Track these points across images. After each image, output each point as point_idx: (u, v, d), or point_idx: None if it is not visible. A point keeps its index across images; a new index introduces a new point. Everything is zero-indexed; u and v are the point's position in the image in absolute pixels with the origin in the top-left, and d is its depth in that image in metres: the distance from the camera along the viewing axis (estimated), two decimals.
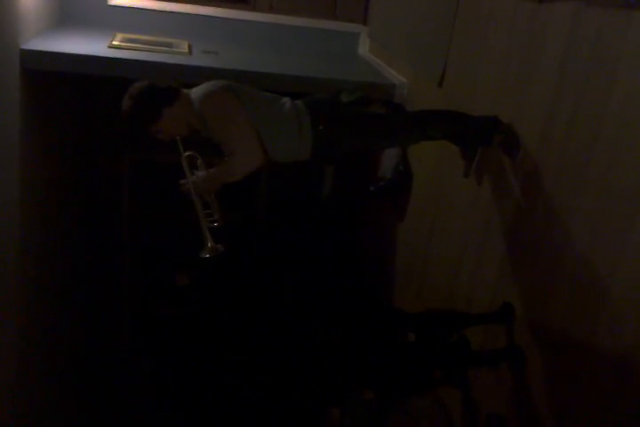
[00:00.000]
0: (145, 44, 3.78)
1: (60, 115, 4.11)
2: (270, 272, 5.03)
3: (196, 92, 2.33)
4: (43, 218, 3.69)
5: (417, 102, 3.49)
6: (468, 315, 2.63)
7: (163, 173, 4.02)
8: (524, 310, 2.30)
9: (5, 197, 2.99)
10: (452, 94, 3.04)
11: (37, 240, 3.59)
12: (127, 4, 4.29)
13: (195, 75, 3.42)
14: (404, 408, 3.08)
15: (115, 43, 3.65)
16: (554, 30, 2.21)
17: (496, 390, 2.45)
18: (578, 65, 2.06)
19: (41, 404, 3.78)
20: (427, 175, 3.35)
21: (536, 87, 2.30)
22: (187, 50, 3.85)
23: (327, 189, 5.31)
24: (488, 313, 2.51)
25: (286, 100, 2.39)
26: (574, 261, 2.01)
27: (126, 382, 5.15)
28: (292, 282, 4.84)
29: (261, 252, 5.01)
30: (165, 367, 5.36)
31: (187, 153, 2.38)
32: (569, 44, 2.11)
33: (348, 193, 4.96)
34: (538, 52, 2.30)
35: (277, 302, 4.95)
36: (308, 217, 5.00)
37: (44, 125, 3.62)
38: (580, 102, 2.03)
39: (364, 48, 4.74)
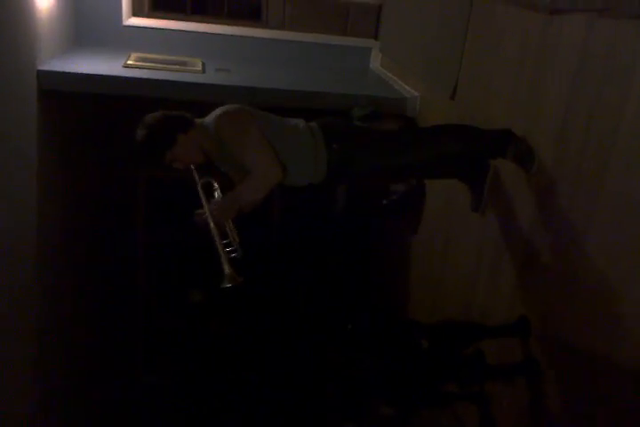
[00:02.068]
0: (159, 62, 3.85)
1: (77, 133, 4.17)
2: (285, 287, 5.03)
3: (209, 117, 2.31)
4: (59, 233, 3.73)
5: (429, 116, 3.49)
6: (484, 327, 2.60)
7: (178, 190, 4.05)
8: (541, 323, 2.27)
9: (22, 216, 3.03)
10: (465, 107, 3.04)
11: (53, 256, 3.62)
12: (141, 24, 4.37)
13: (208, 92, 3.46)
14: (421, 425, 3.05)
15: (129, 62, 3.71)
16: (566, 41, 2.20)
17: (513, 404, 2.42)
18: (591, 76, 2.05)
19: (53, 411, 3.80)
20: (440, 189, 3.34)
21: (549, 99, 2.29)
22: (200, 68, 3.90)
23: (340, 204, 5.32)
24: (504, 326, 2.48)
25: (299, 121, 2.40)
26: (590, 275, 1.99)
27: (139, 397, 5.15)
28: (306, 297, 4.83)
29: (276, 267, 5.01)
30: (178, 383, 5.35)
31: (202, 180, 2.30)
32: (581, 55, 2.11)
33: (362, 207, 4.96)
34: (550, 64, 2.30)
35: (292, 317, 4.93)
36: (322, 232, 5.00)
37: (60, 143, 3.67)
38: (594, 114, 2.02)
39: (375, 62, 4.77)
